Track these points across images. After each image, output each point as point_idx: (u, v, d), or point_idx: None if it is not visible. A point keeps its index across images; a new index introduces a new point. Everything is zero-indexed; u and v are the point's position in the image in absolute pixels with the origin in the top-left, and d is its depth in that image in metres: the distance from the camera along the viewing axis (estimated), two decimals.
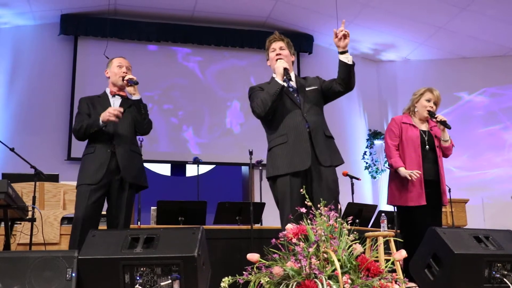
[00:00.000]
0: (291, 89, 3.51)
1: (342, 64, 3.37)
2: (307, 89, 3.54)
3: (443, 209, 6.46)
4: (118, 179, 3.71)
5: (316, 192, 3.31)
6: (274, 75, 3.54)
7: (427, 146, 4.22)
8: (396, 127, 4.29)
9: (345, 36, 3.31)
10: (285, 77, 3.37)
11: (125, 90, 3.95)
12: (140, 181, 3.85)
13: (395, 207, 4.30)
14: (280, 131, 3.41)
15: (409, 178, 4.04)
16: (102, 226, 4.01)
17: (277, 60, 3.51)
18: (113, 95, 3.92)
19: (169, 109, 8.55)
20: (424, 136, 4.24)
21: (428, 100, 4.29)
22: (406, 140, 4.22)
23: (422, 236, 3.64)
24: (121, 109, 3.69)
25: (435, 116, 4.25)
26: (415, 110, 4.34)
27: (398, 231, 4.35)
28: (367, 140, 9.24)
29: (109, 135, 3.75)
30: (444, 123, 4.20)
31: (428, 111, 4.27)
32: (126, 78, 3.85)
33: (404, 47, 9.17)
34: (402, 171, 4.09)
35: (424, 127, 4.32)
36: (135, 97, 3.87)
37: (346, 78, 3.40)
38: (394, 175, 4.23)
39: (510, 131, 8.75)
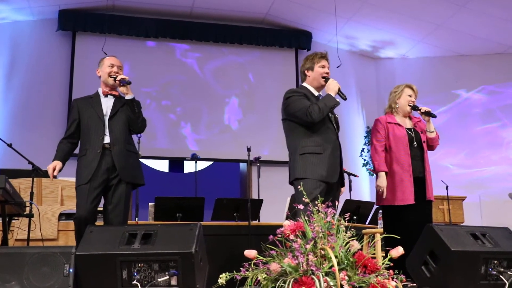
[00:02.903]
0: None
1: None
2: (336, 115, 3.91)
3: (441, 206, 6.52)
4: (114, 177, 3.72)
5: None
6: (307, 85, 3.86)
7: (415, 143, 4.21)
8: (381, 127, 4.25)
9: None
10: (338, 93, 3.71)
11: (117, 89, 3.93)
12: (137, 179, 3.87)
13: (382, 207, 4.26)
14: (318, 142, 3.69)
15: (379, 189, 4.09)
16: (99, 222, 4.02)
17: (324, 77, 3.77)
18: (105, 95, 3.90)
19: (167, 105, 8.55)
20: (411, 133, 4.24)
21: (410, 96, 4.31)
22: (395, 140, 4.19)
23: (411, 234, 3.65)
24: (51, 173, 3.71)
25: (419, 108, 4.26)
26: (397, 107, 4.33)
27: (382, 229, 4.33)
28: (365, 137, 9.25)
29: (101, 136, 3.75)
30: (429, 113, 4.22)
31: (411, 105, 4.29)
32: (118, 78, 3.83)
33: (403, 45, 9.17)
34: (381, 178, 4.10)
35: (408, 124, 4.31)
36: (128, 96, 3.85)
37: None
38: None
39: (508, 129, 8.76)
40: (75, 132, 3.84)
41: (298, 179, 3.63)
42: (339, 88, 3.70)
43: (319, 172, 3.59)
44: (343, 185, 3.92)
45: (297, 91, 3.83)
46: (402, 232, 3.38)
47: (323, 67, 3.81)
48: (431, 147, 4.34)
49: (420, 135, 4.27)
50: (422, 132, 4.30)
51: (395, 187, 4.08)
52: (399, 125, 4.26)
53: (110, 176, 3.71)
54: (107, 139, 3.75)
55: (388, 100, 4.44)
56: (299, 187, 3.34)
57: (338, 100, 3.70)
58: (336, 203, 2.48)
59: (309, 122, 3.65)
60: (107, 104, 3.87)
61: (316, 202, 2.47)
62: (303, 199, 2.50)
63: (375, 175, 4.30)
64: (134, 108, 3.86)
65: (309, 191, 3.47)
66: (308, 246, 2.24)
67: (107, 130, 3.77)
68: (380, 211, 4.36)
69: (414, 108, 4.29)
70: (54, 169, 3.69)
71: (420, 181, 4.14)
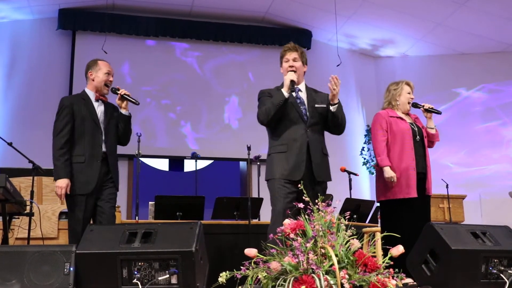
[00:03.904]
0: (298, 101, 3.68)
1: (330, 113, 3.66)
2: (316, 105, 3.70)
3: (441, 205, 6.52)
4: (105, 182, 3.74)
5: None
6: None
7: (417, 137, 4.20)
8: (384, 121, 4.19)
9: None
10: (290, 89, 3.57)
11: (106, 96, 3.91)
12: (118, 186, 3.90)
13: (382, 202, 4.21)
14: (282, 140, 3.61)
15: (390, 180, 4.01)
16: None
17: (288, 71, 3.67)
18: (96, 100, 3.85)
19: (167, 104, 8.54)
20: (413, 127, 4.23)
21: (409, 93, 4.30)
22: (398, 134, 4.15)
23: (410, 231, 3.65)
24: (63, 195, 3.62)
25: (422, 105, 4.26)
26: (398, 104, 4.30)
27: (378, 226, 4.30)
28: (365, 136, 9.25)
29: (100, 145, 3.74)
30: (432, 110, 4.22)
31: (411, 102, 4.29)
32: (122, 92, 3.83)
33: (403, 43, 9.16)
34: (387, 171, 4.03)
35: (408, 119, 4.30)
36: (126, 112, 3.88)
37: (333, 125, 3.75)
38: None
39: (508, 127, 8.76)
40: (71, 135, 3.71)
41: (266, 180, 3.68)
42: (291, 81, 3.58)
43: (281, 171, 3.55)
44: (316, 182, 3.62)
45: (263, 91, 3.79)
46: (401, 229, 3.38)
47: (287, 61, 3.72)
48: (431, 144, 4.33)
49: (422, 130, 4.27)
50: (422, 127, 4.30)
51: (399, 180, 4.04)
52: (402, 119, 4.24)
53: (103, 182, 3.74)
54: (103, 148, 3.75)
55: (386, 97, 4.40)
56: (302, 189, 3.36)
57: (287, 94, 3.56)
58: (328, 201, 2.42)
59: (261, 124, 3.68)
60: (99, 110, 3.83)
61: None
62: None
63: (375, 173, 4.28)
64: (129, 124, 3.92)
65: (274, 192, 3.59)
66: (309, 245, 2.24)
67: (103, 138, 3.76)
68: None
69: (416, 105, 4.28)
70: (67, 188, 3.61)
71: (421, 177, 4.13)
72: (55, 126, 3.73)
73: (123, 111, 3.87)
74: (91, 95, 3.86)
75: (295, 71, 3.65)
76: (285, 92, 3.56)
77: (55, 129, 3.72)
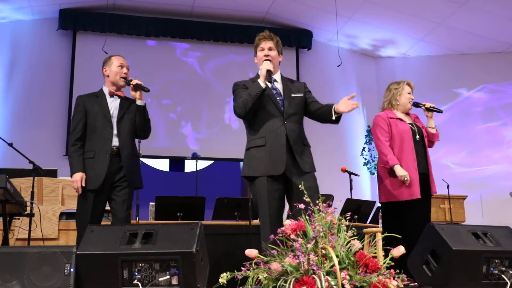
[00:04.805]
0: (274, 91, 3.54)
1: (329, 116, 3.55)
2: (292, 95, 3.57)
3: (442, 205, 6.51)
4: (119, 179, 3.71)
5: (296, 197, 3.34)
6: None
7: (417, 137, 4.19)
8: (384, 123, 4.17)
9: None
10: (267, 79, 3.42)
11: (122, 90, 3.91)
12: (140, 184, 3.88)
13: (385, 204, 4.18)
14: (260, 134, 3.51)
15: (404, 179, 3.95)
16: (105, 222, 4.02)
17: (264, 61, 3.50)
18: (111, 95, 3.84)
19: (167, 104, 8.55)
20: (413, 128, 4.22)
21: (409, 93, 4.29)
22: (399, 135, 4.13)
23: (412, 231, 3.65)
24: (79, 188, 3.63)
25: (423, 104, 4.25)
26: (398, 104, 4.28)
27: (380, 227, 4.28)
28: (366, 136, 9.24)
29: (110, 139, 3.71)
30: (433, 109, 4.21)
31: (413, 102, 4.27)
32: (133, 83, 3.78)
33: (403, 43, 9.16)
34: (399, 169, 3.98)
35: (408, 120, 4.29)
36: (140, 102, 3.82)
37: (322, 121, 3.64)
38: (390, 172, 4.10)
39: (509, 127, 8.76)
40: (84, 132, 3.74)
41: (247, 177, 3.57)
42: (267, 71, 3.39)
43: (261, 166, 3.42)
44: (304, 173, 3.43)
45: (238, 84, 3.61)
46: (403, 230, 3.37)
47: (262, 50, 3.55)
48: (431, 143, 4.32)
49: (422, 129, 4.26)
50: (423, 127, 4.29)
51: (402, 182, 4.02)
52: (401, 120, 4.23)
53: (116, 179, 3.70)
54: (115, 142, 3.72)
55: (386, 96, 4.37)
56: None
57: (264, 84, 3.39)
58: (328, 202, 2.37)
59: (238, 117, 3.56)
60: (113, 105, 3.82)
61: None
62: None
63: (375, 174, 4.27)
64: (145, 115, 3.86)
65: (256, 191, 3.47)
66: (309, 246, 2.24)
67: (115, 132, 3.74)
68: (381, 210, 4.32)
69: (416, 105, 4.27)
70: (81, 181, 3.61)
71: (423, 177, 4.12)
72: (71, 125, 3.87)
73: (138, 102, 3.82)
74: (106, 91, 3.87)
75: (270, 61, 3.49)
76: (261, 82, 3.39)
77: (71, 127, 3.85)
